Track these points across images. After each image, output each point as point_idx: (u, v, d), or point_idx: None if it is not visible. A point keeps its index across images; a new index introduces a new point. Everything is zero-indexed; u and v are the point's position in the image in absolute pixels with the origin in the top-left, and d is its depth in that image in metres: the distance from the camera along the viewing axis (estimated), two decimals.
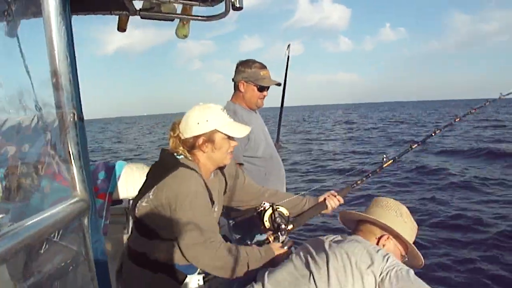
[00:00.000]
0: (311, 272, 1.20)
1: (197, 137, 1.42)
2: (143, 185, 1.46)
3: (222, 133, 1.43)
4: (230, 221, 2.11)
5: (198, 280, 1.58)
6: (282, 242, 1.55)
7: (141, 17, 1.58)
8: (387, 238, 1.36)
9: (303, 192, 1.84)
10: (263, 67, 2.24)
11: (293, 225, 1.58)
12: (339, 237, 1.37)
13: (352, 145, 16.44)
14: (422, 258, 1.40)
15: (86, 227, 1.24)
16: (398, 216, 1.38)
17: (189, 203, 1.33)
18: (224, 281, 2.47)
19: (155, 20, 1.57)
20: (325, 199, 1.75)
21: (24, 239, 0.90)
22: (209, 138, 1.42)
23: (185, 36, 1.68)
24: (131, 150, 19.62)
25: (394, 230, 1.34)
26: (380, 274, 1.12)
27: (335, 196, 1.74)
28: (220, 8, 1.47)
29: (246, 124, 2.16)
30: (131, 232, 1.54)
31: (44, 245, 1.02)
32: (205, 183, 1.43)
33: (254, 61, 2.24)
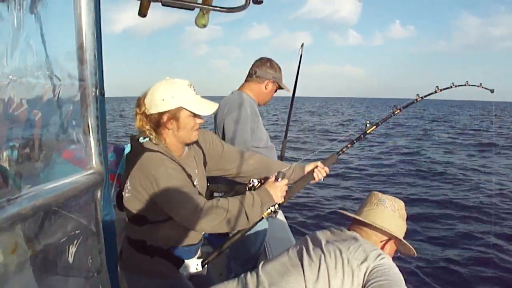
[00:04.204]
0: (302, 264, 1.22)
1: (162, 113, 1.38)
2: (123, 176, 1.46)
3: (187, 110, 1.39)
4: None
5: (197, 264, 1.58)
6: (275, 213, 1.53)
7: (163, 4, 1.60)
8: (389, 241, 1.39)
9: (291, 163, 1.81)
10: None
11: (284, 198, 1.55)
12: (338, 232, 1.39)
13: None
14: (414, 250, 1.41)
15: (99, 199, 1.26)
16: (400, 218, 1.40)
17: (164, 183, 1.33)
18: (223, 263, 2.46)
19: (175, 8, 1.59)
20: (312, 170, 1.73)
21: (44, 200, 0.93)
22: (174, 115, 1.39)
23: (204, 26, 1.70)
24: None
25: (400, 238, 1.37)
26: (370, 270, 1.16)
27: (322, 168, 1.73)
28: (240, 0, 1.50)
29: (257, 116, 2.15)
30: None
31: (57, 212, 1.05)
32: (177, 161, 1.42)
33: (275, 62, 2.23)
